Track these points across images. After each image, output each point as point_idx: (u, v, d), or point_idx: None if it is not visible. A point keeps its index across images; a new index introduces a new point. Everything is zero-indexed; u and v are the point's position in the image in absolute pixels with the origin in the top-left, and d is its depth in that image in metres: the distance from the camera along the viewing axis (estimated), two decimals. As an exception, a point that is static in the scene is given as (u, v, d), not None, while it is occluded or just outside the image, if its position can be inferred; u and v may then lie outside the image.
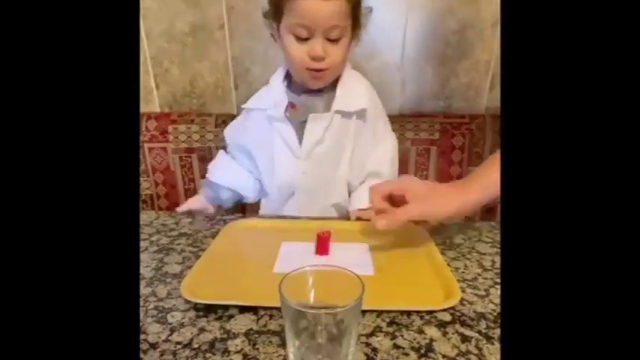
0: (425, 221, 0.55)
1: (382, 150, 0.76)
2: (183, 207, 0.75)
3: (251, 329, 0.40)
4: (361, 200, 0.69)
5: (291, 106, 0.71)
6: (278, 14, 0.65)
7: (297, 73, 0.68)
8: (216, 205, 0.80)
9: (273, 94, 0.72)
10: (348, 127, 0.70)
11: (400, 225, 0.52)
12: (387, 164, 0.76)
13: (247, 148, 0.77)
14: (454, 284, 0.46)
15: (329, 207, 0.75)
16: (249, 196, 0.82)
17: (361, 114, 0.71)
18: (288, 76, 0.74)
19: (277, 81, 0.73)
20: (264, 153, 0.75)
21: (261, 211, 0.85)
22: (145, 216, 0.71)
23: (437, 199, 0.53)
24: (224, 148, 0.88)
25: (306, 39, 0.63)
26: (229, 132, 0.82)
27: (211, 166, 0.82)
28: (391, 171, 0.77)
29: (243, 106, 0.77)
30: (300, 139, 0.71)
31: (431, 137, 1.07)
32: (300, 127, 0.71)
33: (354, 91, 0.71)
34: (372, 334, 0.40)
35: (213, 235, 0.62)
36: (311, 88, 0.70)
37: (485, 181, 0.53)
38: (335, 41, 0.63)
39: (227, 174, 0.80)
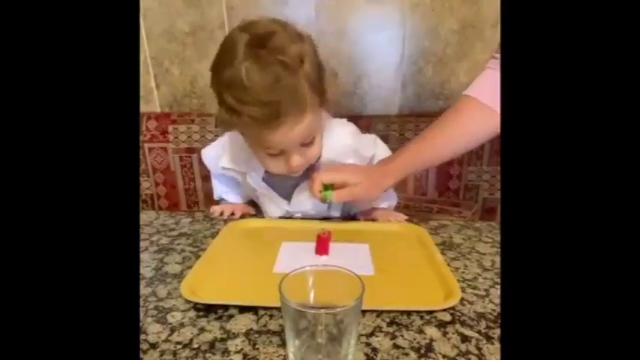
0: None
1: (378, 154, 0.72)
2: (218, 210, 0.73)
3: (251, 329, 0.40)
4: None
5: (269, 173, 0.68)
6: (234, 127, 0.61)
7: (275, 174, 0.65)
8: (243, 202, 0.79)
9: (247, 161, 0.67)
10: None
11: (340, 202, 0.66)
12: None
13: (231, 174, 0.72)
14: (454, 284, 0.46)
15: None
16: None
17: (349, 150, 0.68)
18: None
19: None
20: (248, 187, 0.71)
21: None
22: (145, 216, 0.71)
23: (366, 185, 0.62)
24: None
25: (279, 153, 0.59)
26: (209, 157, 0.75)
27: (216, 190, 0.80)
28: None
29: (220, 163, 0.71)
30: (286, 193, 0.69)
31: (431, 137, 1.07)
32: (283, 181, 0.68)
33: (336, 141, 0.66)
34: (372, 334, 0.40)
35: (213, 235, 0.62)
36: None
37: (402, 164, 0.66)
38: (309, 144, 0.59)
39: (233, 192, 0.79)
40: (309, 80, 0.53)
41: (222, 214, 0.72)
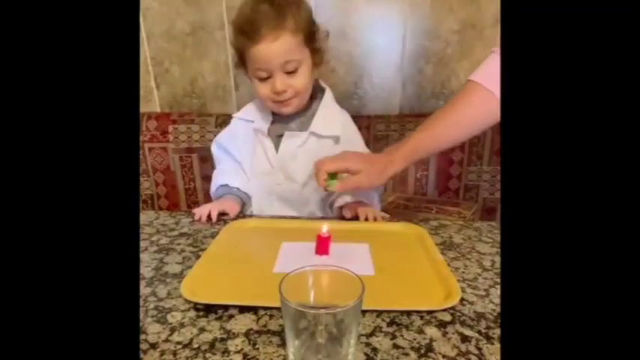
0: None
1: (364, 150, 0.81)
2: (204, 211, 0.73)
3: (251, 329, 0.40)
4: (344, 197, 0.74)
5: (271, 122, 0.80)
6: (243, 63, 0.74)
7: (268, 105, 0.77)
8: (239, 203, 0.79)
9: (259, 110, 0.81)
10: (322, 148, 0.76)
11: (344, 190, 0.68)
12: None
13: (233, 154, 0.82)
14: (454, 284, 0.46)
15: (304, 214, 0.80)
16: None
17: (336, 140, 0.78)
18: None
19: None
20: (246, 160, 0.82)
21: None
22: (145, 216, 0.71)
23: (370, 173, 0.65)
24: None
25: (268, 77, 0.71)
26: (221, 137, 0.86)
27: (216, 180, 0.81)
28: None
29: (233, 115, 0.85)
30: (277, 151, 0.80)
31: (431, 137, 1.07)
32: (277, 142, 0.79)
33: (329, 118, 0.78)
34: (372, 334, 0.40)
35: (213, 235, 0.62)
36: (283, 115, 0.77)
37: (406, 152, 0.68)
38: (293, 72, 0.71)
39: (232, 176, 0.80)
40: (294, 16, 0.68)
41: (204, 218, 0.70)
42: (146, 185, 1.15)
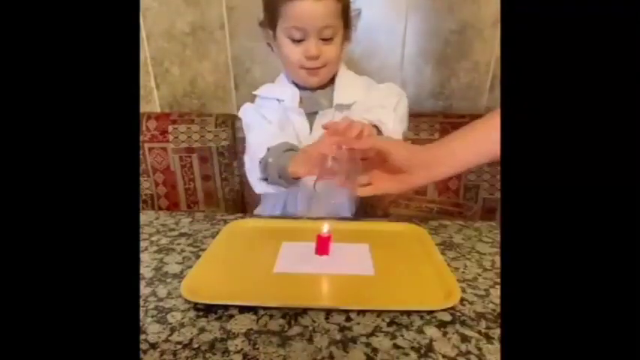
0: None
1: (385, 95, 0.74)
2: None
3: (251, 329, 0.40)
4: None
5: (299, 99, 0.74)
6: (273, 20, 0.68)
7: (294, 73, 0.72)
8: None
9: (285, 87, 0.75)
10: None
11: (369, 147, 0.52)
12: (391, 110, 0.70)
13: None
14: (454, 284, 0.46)
15: (332, 205, 0.68)
16: None
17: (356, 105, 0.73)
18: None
19: (285, 80, 0.77)
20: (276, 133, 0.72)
21: (261, 206, 0.85)
22: (145, 216, 0.71)
23: (411, 176, 0.53)
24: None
25: (301, 40, 0.66)
26: (251, 106, 0.79)
27: (263, 143, 0.70)
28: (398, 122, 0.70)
29: (256, 92, 0.78)
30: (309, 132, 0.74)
31: (431, 137, 1.07)
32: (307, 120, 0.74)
33: (349, 85, 0.74)
34: (372, 334, 0.40)
35: (213, 235, 0.62)
36: (309, 86, 0.73)
37: (455, 160, 0.54)
38: (328, 40, 0.67)
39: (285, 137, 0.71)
40: None
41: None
42: (146, 185, 1.15)
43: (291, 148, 0.65)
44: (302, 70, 0.70)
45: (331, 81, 0.75)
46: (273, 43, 0.72)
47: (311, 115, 0.75)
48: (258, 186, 0.70)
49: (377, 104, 0.69)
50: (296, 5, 0.63)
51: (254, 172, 0.70)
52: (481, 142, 0.53)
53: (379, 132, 0.63)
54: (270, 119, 0.74)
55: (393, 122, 0.65)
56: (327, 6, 0.64)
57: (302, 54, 0.67)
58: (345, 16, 0.69)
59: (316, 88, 0.74)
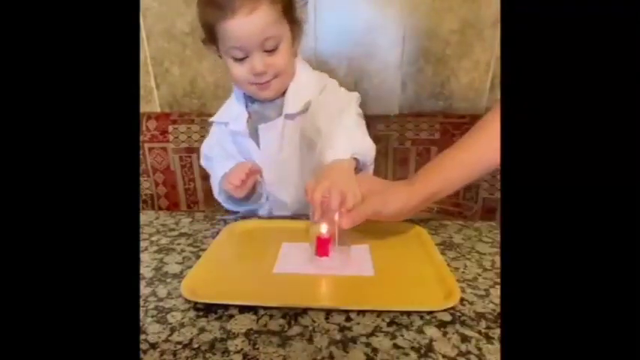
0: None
1: (346, 123, 0.68)
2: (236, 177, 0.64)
3: (251, 329, 0.40)
4: (338, 149, 0.60)
5: (248, 116, 0.71)
6: (213, 40, 0.65)
7: (246, 89, 0.68)
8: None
9: (233, 107, 0.72)
10: (306, 122, 0.67)
11: (361, 220, 0.52)
12: (358, 139, 0.66)
13: (220, 162, 0.73)
14: (454, 284, 0.46)
15: (302, 212, 0.71)
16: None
17: (308, 106, 0.68)
18: None
19: (238, 93, 0.72)
20: (229, 165, 0.71)
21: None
22: (145, 216, 0.71)
23: (388, 195, 0.54)
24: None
25: (244, 58, 0.62)
26: (204, 148, 0.78)
27: (216, 183, 0.74)
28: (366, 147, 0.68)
29: (211, 119, 0.77)
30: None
31: (431, 137, 1.07)
32: (256, 137, 0.70)
33: (299, 88, 0.68)
34: (372, 334, 0.40)
35: (213, 235, 0.62)
36: (263, 100, 0.69)
37: (431, 177, 0.56)
38: (273, 51, 0.62)
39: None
40: None
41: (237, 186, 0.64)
42: (146, 185, 1.15)
43: None
44: (252, 87, 0.66)
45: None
46: (222, 58, 0.68)
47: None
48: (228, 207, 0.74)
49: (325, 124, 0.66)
50: (228, 25, 0.59)
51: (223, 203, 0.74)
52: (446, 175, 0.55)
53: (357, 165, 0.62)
54: (224, 145, 0.73)
55: (343, 143, 0.62)
56: (262, 16, 0.58)
57: (249, 72, 0.63)
58: (289, 16, 0.63)
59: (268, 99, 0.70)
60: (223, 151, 0.74)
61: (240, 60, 0.63)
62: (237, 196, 0.66)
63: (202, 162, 0.79)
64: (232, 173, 0.65)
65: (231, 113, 0.72)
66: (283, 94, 0.69)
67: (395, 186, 0.57)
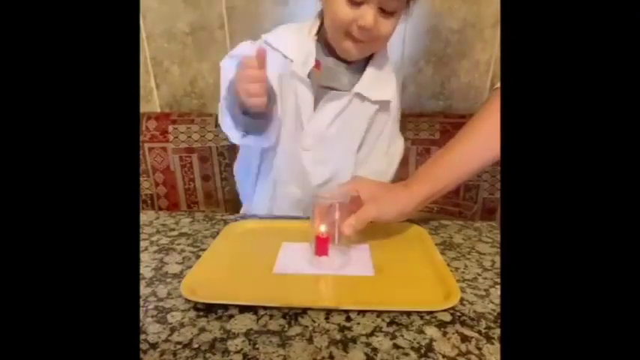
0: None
1: (393, 151, 0.72)
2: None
3: (251, 329, 0.40)
4: None
5: (315, 65, 0.61)
6: None
7: (336, 37, 0.60)
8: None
9: (303, 46, 0.62)
10: (365, 116, 0.64)
11: (362, 226, 0.54)
12: (394, 166, 0.73)
13: None
14: (454, 284, 0.46)
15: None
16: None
17: (384, 106, 0.65)
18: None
19: (310, 33, 0.63)
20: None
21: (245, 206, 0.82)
22: (145, 216, 0.71)
23: (387, 198, 0.56)
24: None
25: (360, 3, 0.55)
26: (236, 49, 0.64)
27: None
28: (393, 173, 0.75)
29: (264, 36, 0.64)
30: (315, 108, 0.64)
31: (431, 137, 1.07)
32: (316, 92, 0.63)
33: (382, 78, 0.64)
34: (372, 334, 0.40)
35: (213, 235, 0.62)
36: (344, 57, 0.62)
37: (428, 178, 0.56)
38: (388, 14, 0.56)
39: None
40: None
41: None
42: (146, 185, 1.15)
43: None
44: (346, 38, 0.58)
45: (365, 58, 0.63)
46: None
47: (322, 90, 0.62)
48: (232, 134, 0.62)
49: (383, 168, 0.70)
50: None
51: (225, 118, 0.61)
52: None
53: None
54: (272, 70, 0.56)
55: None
56: None
57: (355, 20, 0.56)
58: None
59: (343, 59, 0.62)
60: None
61: (355, 4, 0.55)
62: (255, 106, 0.53)
63: (225, 61, 0.63)
64: (246, 75, 0.51)
65: (300, 51, 0.61)
66: (360, 62, 0.63)
67: (393, 190, 0.58)
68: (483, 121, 0.56)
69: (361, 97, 0.63)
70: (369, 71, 0.63)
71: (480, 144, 0.55)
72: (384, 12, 0.56)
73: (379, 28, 0.57)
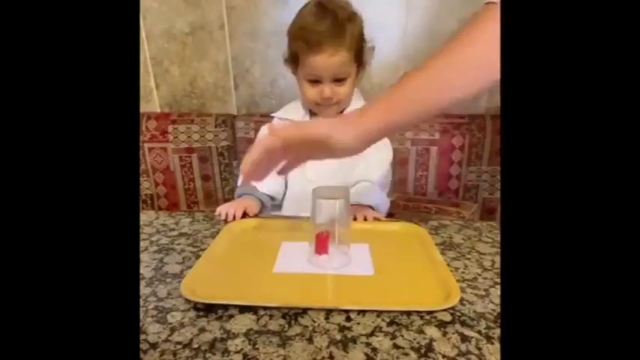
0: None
1: (377, 159, 0.82)
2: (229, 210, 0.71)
3: (251, 329, 0.40)
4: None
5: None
6: (295, 65, 0.80)
7: (310, 106, 0.83)
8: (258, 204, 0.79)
9: (298, 111, 0.86)
10: None
11: (293, 139, 0.49)
12: (377, 172, 0.81)
13: None
14: (454, 284, 0.46)
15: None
16: (278, 200, 0.85)
17: None
18: None
19: (304, 105, 0.87)
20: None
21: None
22: (145, 216, 0.71)
23: (336, 125, 0.49)
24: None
25: (317, 82, 0.77)
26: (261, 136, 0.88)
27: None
28: (382, 180, 0.83)
29: (274, 114, 0.88)
30: None
31: (431, 137, 1.07)
32: None
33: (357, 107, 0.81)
34: (372, 334, 0.40)
35: (213, 235, 0.62)
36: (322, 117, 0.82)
37: (389, 106, 0.47)
38: (341, 81, 0.77)
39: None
40: (351, 34, 0.74)
41: (230, 217, 0.70)
42: (146, 185, 1.15)
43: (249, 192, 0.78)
44: (318, 107, 0.80)
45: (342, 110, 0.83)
46: (295, 75, 0.83)
47: None
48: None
49: (365, 176, 0.79)
50: (313, 60, 0.74)
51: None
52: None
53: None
54: None
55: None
56: (340, 58, 0.74)
57: (318, 94, 0.77)
58: (358, 59, 0.78)
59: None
60: None
61: (313, 83, 0.78)
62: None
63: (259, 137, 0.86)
64: (227, 208, 0.71)
65: (295, 115, 0.86)
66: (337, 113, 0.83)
67: (345, 117, 0.56)
68: (470, 41, 0.46)
69: None
70: (348, 110, 0.82)
71: (456, 71, 0.45)
72: (338, 81, 0.77)
73: (337, 94, 0.78)
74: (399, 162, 1.07)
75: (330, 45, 0.73)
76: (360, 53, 0.78)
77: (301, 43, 0.75)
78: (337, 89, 0.77)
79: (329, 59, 0.74)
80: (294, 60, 0.80)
